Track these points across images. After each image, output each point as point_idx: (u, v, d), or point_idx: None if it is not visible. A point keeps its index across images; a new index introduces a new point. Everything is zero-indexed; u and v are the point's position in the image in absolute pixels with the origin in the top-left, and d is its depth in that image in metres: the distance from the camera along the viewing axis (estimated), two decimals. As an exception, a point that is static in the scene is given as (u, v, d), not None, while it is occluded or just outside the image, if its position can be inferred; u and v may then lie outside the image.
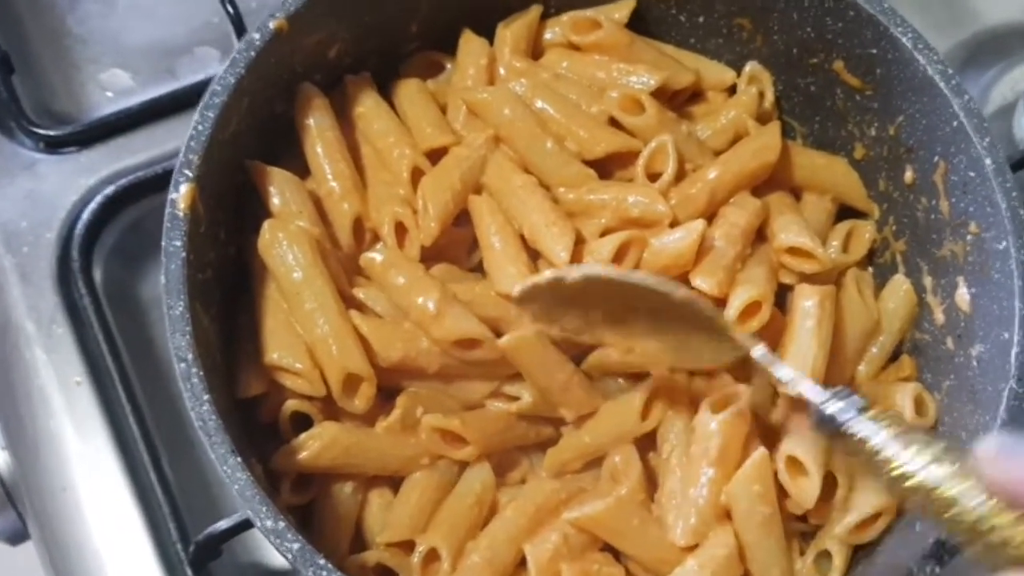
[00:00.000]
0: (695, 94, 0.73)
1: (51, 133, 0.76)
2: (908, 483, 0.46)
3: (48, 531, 0.67)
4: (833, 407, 0.50)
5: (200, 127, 0.57)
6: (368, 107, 0.67)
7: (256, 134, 0.63)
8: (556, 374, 0.62)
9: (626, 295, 0.56)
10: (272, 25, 0.60)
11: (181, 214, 0.54)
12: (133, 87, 0.82)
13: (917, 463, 0.46)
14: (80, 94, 0.82)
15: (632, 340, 0.60)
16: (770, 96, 0.72)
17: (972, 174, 0.61)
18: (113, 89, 0.82)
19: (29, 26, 0.84)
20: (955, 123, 0.61)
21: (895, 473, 0.47)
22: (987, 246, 0.60)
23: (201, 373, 0.51)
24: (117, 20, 0.85)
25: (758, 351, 0.55)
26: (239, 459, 0.50)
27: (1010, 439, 0.44)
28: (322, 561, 0.50)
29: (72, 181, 0.75)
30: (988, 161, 0.60)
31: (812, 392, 0.52)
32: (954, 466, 0.45)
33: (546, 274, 0.57)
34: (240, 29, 0.78)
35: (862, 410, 0.49)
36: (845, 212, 0.72)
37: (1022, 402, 0.56)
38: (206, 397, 0.51)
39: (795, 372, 0.54)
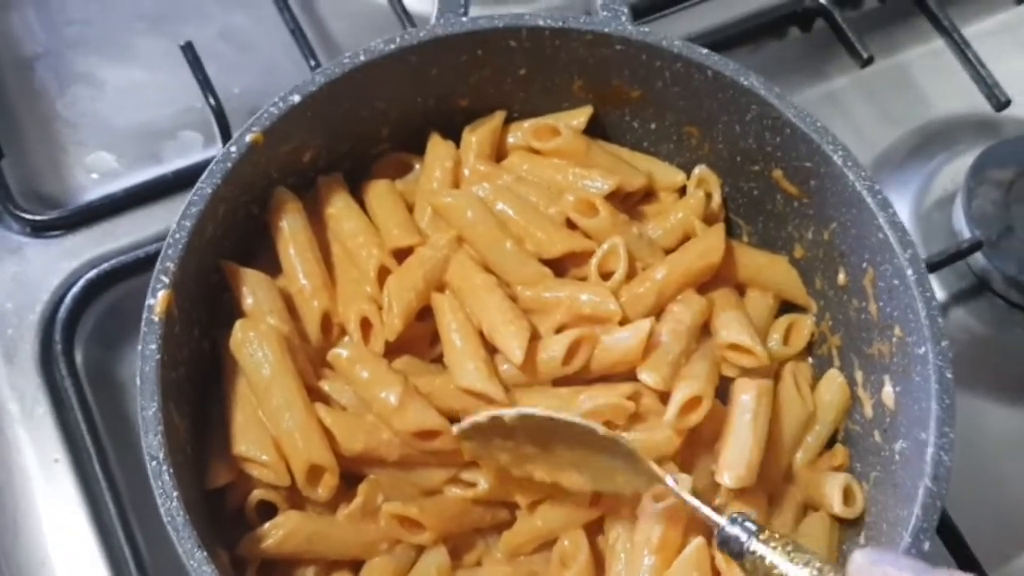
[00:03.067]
0: (648, 193, 0.77)
1: (38, 218, 0.80)
2: None
3: (26, 601, 0.70)
4: (733, 529, 0.56)
5: (177, 235, 0.61)
6: (339, 208, 0.71)
7: (232, 236, 0.67)
8: None
9: (556, 430, 0.62)
10: (248, 139, 0.64)
11: (156, 319, 0.59)
12: (118, 169, 0.86)
13: None
14: (66, 177, 0.85)
15: (558, 473, 0.64)
16: (717, 198, 0.77)
17: (896, 282, 0.66)
18: (99, 171, 0.86)
19: (20, 111, 0.88)
20: (880, 235, 0.66)
21: None
22: (909, 349, 0.65)
23: (171, 471, 0.55)
24: (105, 104, 0.89)
25: (670, 481, 0.61)
26: (205, 553, 0.54)
27: (877, 554, 0.48)
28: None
29: (56, 264, 0.79)
30: (910, 272, 0.65)
31: (714, 517, 0.58)
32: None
33: (484, 414, 0.63)
34: (221, 119, 0.83)
35: (756, 532, 0.55)
36: (787, 306, 0.77)
37: (936, 500, 0.60)
38: (175, 495, 0.55)
39: (697, 502, 0.60)
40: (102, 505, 0.71)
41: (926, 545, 0.59)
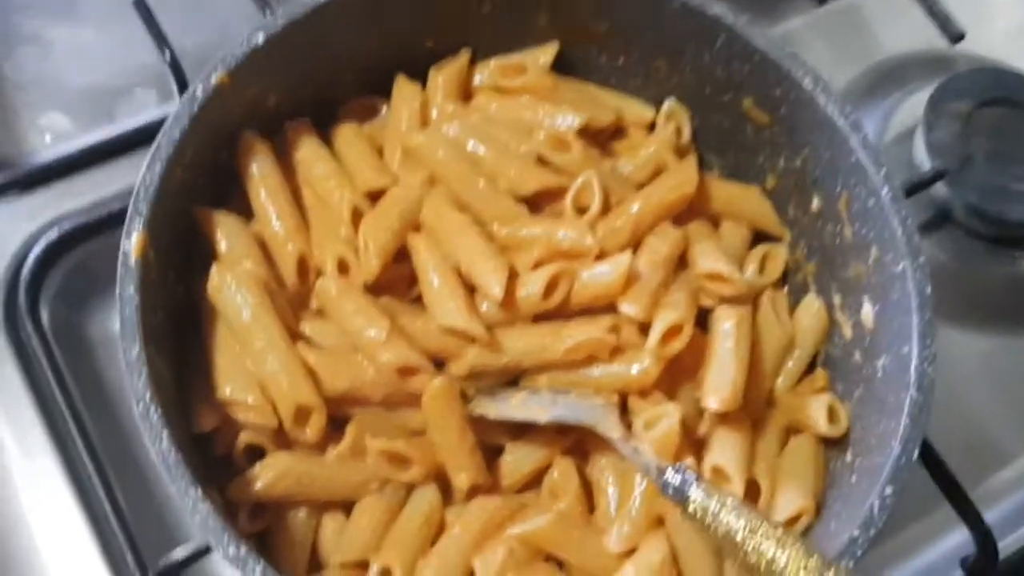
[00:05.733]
0: (617, 131, 0.77)
1: (-8, 180, 0.78)
2: (728, 538, 0.56)
3: (2, 565, 0.69)
4: (675, 478, 0.60)
5: (147, 179, 0.60)
6: (308, 152, 0.70)
7: (202, 180, 0.66)
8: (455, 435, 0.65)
9: None
10: (214, 80, 0.63)
11: (133, 262, 0.57)
12: (72, 130, 0.85)
13: (738, 525, 0.56)
14: (20, 139, 0.84)
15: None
16: (687, 131, 0.77)
17: (871, 203, 0.67)
18: (53, 132, 0.84)
19: (-33, 75, 0.85)
20: (853, 158, 0.67)
21: (721, 531, 0.57)
22: (887, 268, 0.66)
23: (159, 411, 0.54)
24: (54, 65, 0.87)
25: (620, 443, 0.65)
26: (199, 490, 0.53)
27: None
28: (283, 583, 0.53)
29: (16, 226, 0.77)
30: (885, 191, 0.66)
31: (660, 468, 0.61)
32: (761, 526, 0.56)
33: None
34: (178, 72, 0.81)
35: (695, 482, 0.59)
36: (761, 237, 0.77)
37: (923, 410, 0.61)
38: (165, 433, 0.54)
39: (650, 459, 0.63)
40: (77, 462, 0.70)
41: (915, 453, 0.60)
